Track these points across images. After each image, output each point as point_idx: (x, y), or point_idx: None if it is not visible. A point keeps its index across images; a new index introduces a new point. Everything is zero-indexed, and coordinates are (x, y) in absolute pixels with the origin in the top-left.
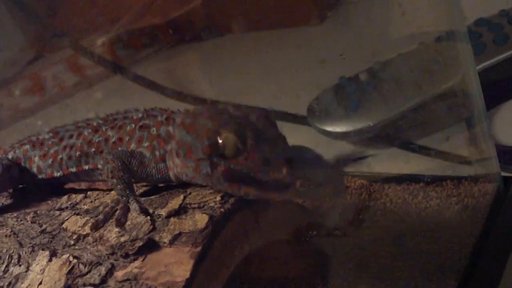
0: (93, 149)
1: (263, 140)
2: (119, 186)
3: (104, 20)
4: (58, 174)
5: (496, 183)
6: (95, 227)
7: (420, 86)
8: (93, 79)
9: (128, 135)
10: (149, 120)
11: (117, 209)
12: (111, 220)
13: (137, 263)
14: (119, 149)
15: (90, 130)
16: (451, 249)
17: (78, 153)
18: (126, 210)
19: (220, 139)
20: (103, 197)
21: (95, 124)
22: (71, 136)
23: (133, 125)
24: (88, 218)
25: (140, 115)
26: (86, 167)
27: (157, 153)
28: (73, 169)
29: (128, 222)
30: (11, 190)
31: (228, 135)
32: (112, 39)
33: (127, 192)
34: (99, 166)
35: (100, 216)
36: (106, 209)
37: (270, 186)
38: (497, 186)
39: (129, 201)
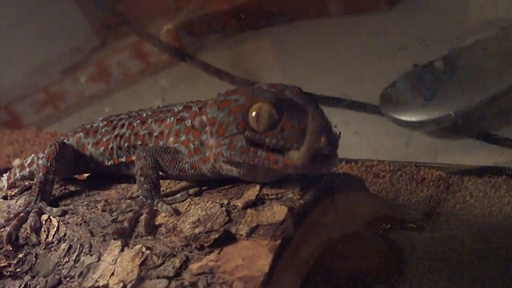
0: (139, 142)
1: (300, 111)
2: (145, 185)
3: (169, 6)
4: (109, 163)
5: None
6: (121, 234)
7: (501, 74)
8: (158, 66)
9: (168, 128)
10: (185, 112)
11: (141, 213)
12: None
13: (212, 255)
14: (160, 143)
15: (138, 121)
16: None
17: (126, 144)
18: (153, 213)
19: (254, 111)
20: (174, 186)
21: (144, 115)
22: (122, 126)
23: (172, 118)
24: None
25: (180, 108)
26: (134, 158)
27: (191, 146)
28: (123, 159)
29: (203, 213)
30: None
31: (262, 105)
32: (177, 25)
33: (153, 193)
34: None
35: (125, 224)
36: (130, 214)
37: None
38: None
39: (155, 203)
